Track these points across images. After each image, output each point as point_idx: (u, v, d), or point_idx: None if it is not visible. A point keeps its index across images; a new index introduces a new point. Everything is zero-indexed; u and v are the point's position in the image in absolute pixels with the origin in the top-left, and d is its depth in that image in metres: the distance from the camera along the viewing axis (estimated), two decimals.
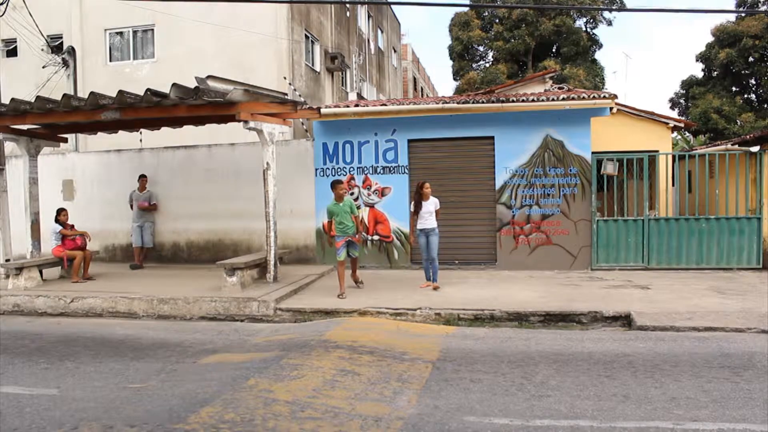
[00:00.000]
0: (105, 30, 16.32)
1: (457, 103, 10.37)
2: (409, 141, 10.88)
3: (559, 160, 10.38)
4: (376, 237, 11.06)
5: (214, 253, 11.47)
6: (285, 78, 15.02)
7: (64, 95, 8.39)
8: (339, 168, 11.13)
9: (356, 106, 11.16)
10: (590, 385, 4.48)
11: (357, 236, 8.52)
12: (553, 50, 33.09)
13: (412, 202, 8.77)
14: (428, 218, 8.54)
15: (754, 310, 6.77)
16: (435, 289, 8.50)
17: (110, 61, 16.47)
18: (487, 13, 32.97)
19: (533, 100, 10.06)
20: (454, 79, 34.26)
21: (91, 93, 8.20)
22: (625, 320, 6.73)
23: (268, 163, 8.97)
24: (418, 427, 3.71)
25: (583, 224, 10.33)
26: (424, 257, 8.75)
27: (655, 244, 10.12)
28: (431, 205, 8.54)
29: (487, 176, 10.69)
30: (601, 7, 29.98)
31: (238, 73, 12.57)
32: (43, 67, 15.45)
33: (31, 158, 10.14)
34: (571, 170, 10.35)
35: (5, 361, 5.56)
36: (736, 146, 10.67)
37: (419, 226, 8.62)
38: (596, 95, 10.20)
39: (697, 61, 30.25)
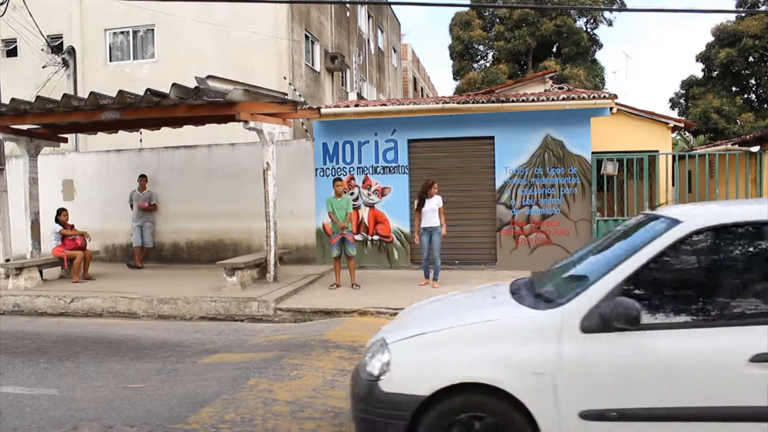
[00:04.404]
0: (105, 30, 16.31)
1: (457, 103, 10.37)
2: (409, 141, 10.88)
3: (559, 160, 10.38)
4: (376, 237, 11.06)
5: (214, 253, 11.47)
6: (285, 78, 15.02)
7: (64, 95, 8.39)
8: (339, 168, 11.13)
9: (356, 106, 11.16)
10: None
11: (348, 233, 8.72)
12: (554, 50, 33.07)
13: (417, 200, 8.80)
14: (431, 216, 8.57)
15: None
16: (434, 288, 8.50)
17: (110, 61, 16.46)
18: (487, 13, 32.96)
19: (533, 100, 10.06)
20: (454, 79, 34.25)
21: (91, 93, 8.19)
22: None
23: (268, 163, 8.98)
24: None
25: (583, 224, 10.33)
26: (424, 256, 8.76)
27: None
28: (434, 202, 8.57)
29: (487, 176, 10.69)
30: (602, 7, 29.94)
31: (238, 73, 12.55)
32: (43, 67, 15.45)
33: (31, 158, 10.14)
34: (571, 170, 10.35)
35: (5, 361, 5.56)
36: (736, 146, 10.69)
37: (422, 225, 8.65)
38: (596, 95, 10.20)
39: (697, 61, 30.23)
